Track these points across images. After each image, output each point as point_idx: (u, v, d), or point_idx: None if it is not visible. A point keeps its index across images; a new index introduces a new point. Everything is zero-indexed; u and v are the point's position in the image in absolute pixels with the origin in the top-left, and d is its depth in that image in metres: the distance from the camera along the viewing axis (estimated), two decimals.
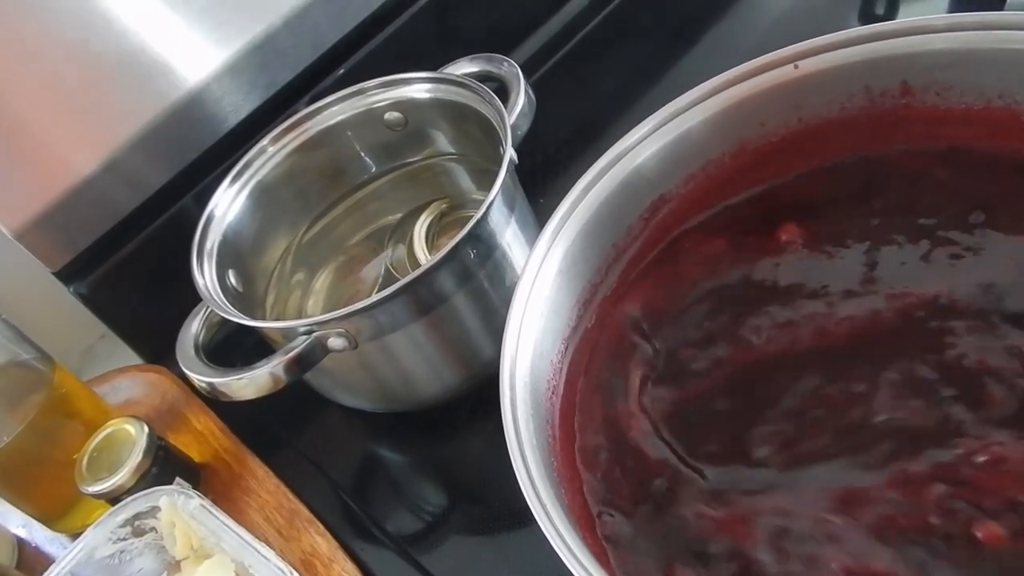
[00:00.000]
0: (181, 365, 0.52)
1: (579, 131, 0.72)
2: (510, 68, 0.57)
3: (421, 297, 0.50)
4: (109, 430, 0.56)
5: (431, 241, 0.60)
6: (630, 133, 0.43)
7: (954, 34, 0.41)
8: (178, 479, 0.56)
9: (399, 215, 0.64)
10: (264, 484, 0.56)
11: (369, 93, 0.59)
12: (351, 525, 0.56)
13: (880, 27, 0.43)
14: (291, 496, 0.55)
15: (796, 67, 0.44)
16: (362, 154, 0.63)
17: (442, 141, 0.62)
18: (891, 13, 0.71)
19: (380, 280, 0.61)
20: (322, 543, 0.52)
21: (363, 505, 0.58)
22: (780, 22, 0.74)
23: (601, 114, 0.72)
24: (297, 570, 0.50)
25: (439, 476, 0.60)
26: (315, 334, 0.49)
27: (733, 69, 0.44)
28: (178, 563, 0.52)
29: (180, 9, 0.61)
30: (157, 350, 0.69)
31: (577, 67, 0.78)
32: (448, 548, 0.54)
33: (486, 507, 0.55)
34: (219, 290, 0.54)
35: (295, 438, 0.63)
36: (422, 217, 0.61)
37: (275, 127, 0.60)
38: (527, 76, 0.57)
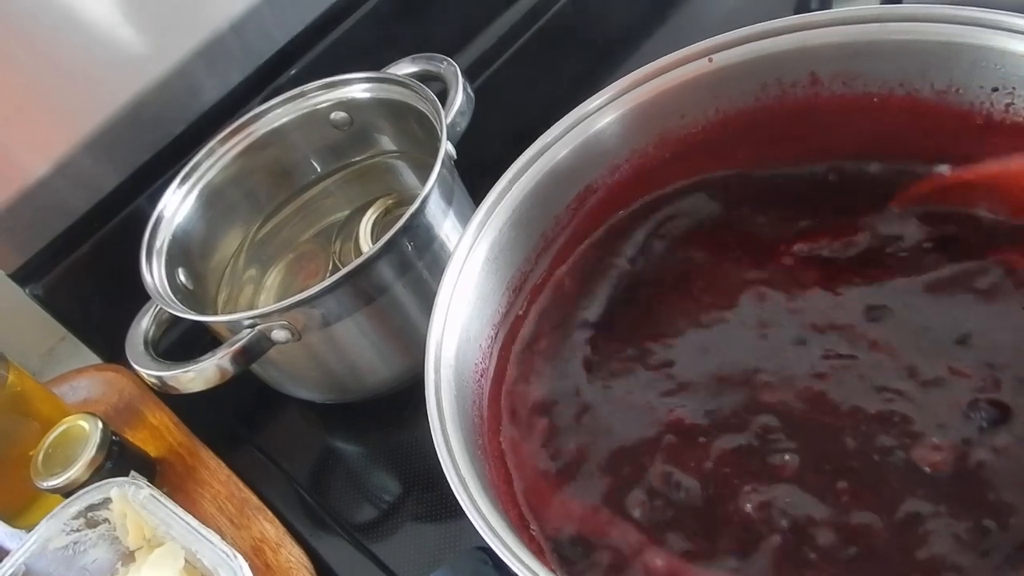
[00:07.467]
0: (130, 361, 0.54)
1: (527, 129, 0.73)
2: (449, 66, 0.59)
3: (361, 288, 0.51)
4: (64, 427, 0.57)
5: (376, 236, 0.61)
6: (549, 130, 0.46)
7: (855, 27, 0.44)
8: (133, 472, 0.57)
9: (347, 212, 0.65)
10: (216, 475, 0.57)
11: (311, 95, 0.61)
12: (305, 516, 0.58)
13: (787, 21, 0.45)
14: (242, 485, 0.57)
15: (711, 60, 0.46)
16: (308, 154, 0.65)
17: (385, 139, 0.64)
18: (826, 6, 0.73)
19: (328, 275, 0.62)
20: (271, 529, 0.53)
21: (317, 497, 0.59)
22: (723, 23, 0.76)
23: (549, 113, 0.73)
24: (247, 555, 0.52)
25: (393, 465, 0.61)
26: (259, 327, 0.51)
27: (649, 64, 0.46)
28: (132, 553, 0.53)
29: (128, 12, 0.62)
30: (115, 349, 0.69)
31: (527, 68, 0.80)
32: (401, 535, 0.56)
33: (439, 493, 0.57)
34: (168, 288, 0.56)
35: (253, 434, 0.64)
36: (368, 213, 0.63)
37: (222, 130, 0.62)
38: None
